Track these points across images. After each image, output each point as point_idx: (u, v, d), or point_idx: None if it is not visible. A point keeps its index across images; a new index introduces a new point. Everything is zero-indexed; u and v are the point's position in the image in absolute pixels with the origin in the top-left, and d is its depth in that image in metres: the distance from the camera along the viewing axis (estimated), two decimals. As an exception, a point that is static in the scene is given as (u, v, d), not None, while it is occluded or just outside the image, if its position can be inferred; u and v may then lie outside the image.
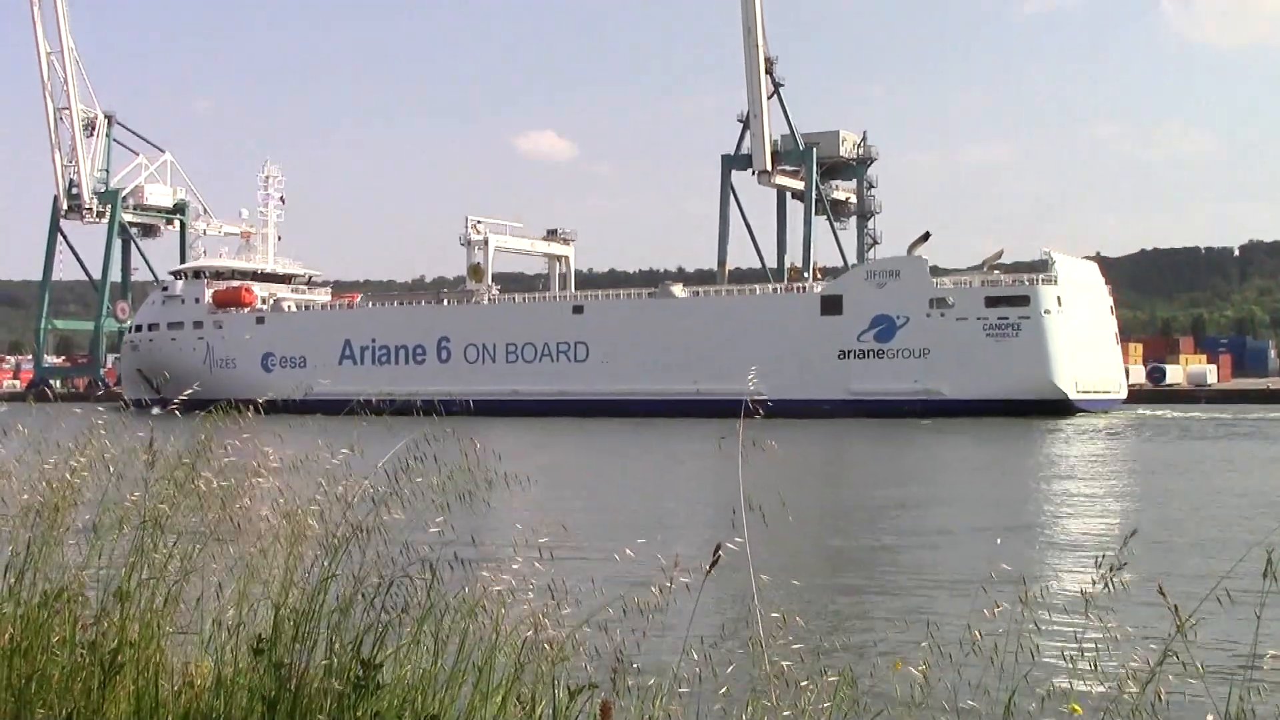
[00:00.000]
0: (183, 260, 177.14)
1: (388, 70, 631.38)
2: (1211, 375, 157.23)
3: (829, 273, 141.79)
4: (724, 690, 8.26)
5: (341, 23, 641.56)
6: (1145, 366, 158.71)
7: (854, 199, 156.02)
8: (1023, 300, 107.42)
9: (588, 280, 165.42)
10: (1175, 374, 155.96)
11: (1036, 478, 52.15)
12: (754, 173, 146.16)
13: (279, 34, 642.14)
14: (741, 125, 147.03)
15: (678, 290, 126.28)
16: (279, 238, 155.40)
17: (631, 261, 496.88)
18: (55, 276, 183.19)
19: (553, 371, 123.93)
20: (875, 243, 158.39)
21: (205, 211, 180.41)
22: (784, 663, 8.14)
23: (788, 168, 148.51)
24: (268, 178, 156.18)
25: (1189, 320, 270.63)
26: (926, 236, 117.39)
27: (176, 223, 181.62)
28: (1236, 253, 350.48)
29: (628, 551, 9.60)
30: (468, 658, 8.53)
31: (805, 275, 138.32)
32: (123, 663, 8.68)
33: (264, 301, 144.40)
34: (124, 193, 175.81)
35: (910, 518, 38.40)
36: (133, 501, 10.11)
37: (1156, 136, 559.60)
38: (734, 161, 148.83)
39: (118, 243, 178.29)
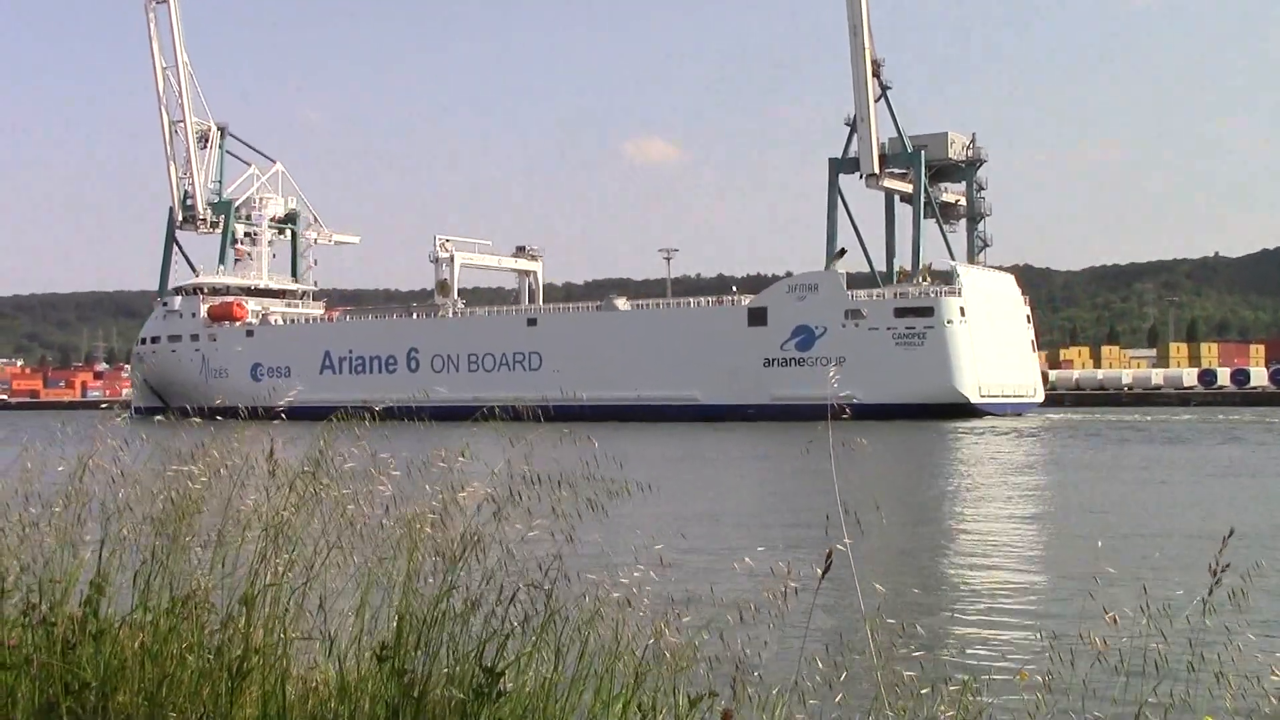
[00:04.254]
0: (294, 270, 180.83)
1: (494, 76, 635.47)
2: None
3: (939, 276, 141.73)
4: (839, 698, 8.22)
5: (449, 35, 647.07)
6: (1268, 369, 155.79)
7: (963, 201, 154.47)
8: (927, 311, 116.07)
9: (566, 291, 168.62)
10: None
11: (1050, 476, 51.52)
12: (862, 176, 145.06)
13: (388, 46, 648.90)
14: (849, 128, 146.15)
15: (621, 303, 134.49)
16: (274, 255, 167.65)
17: (739, 266, 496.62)
18: (171, 286, 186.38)
19: (510, 380, 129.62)
20: (985, 245, 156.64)
21: (316, 220, 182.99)
22: (904, 671, 8.10)
23: (896, 170, 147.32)
24: (261, 198, 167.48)
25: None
26: (843, 252, 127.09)
27: (288, 232, 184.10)
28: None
29: (746, 560, 9.63)
30: (588, 666, 8.59)
31: (915, 279, 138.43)
32: (249, 668, 8.83)
33: (255, 316, 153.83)
34: (237, 203, 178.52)
35: (976, 515, 37.97)
36: (256, 509, 10.27)
37: None
38: (841, 165, 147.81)
39: (231, 253, 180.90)
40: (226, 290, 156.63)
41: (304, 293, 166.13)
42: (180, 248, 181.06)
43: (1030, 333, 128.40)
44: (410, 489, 10.34)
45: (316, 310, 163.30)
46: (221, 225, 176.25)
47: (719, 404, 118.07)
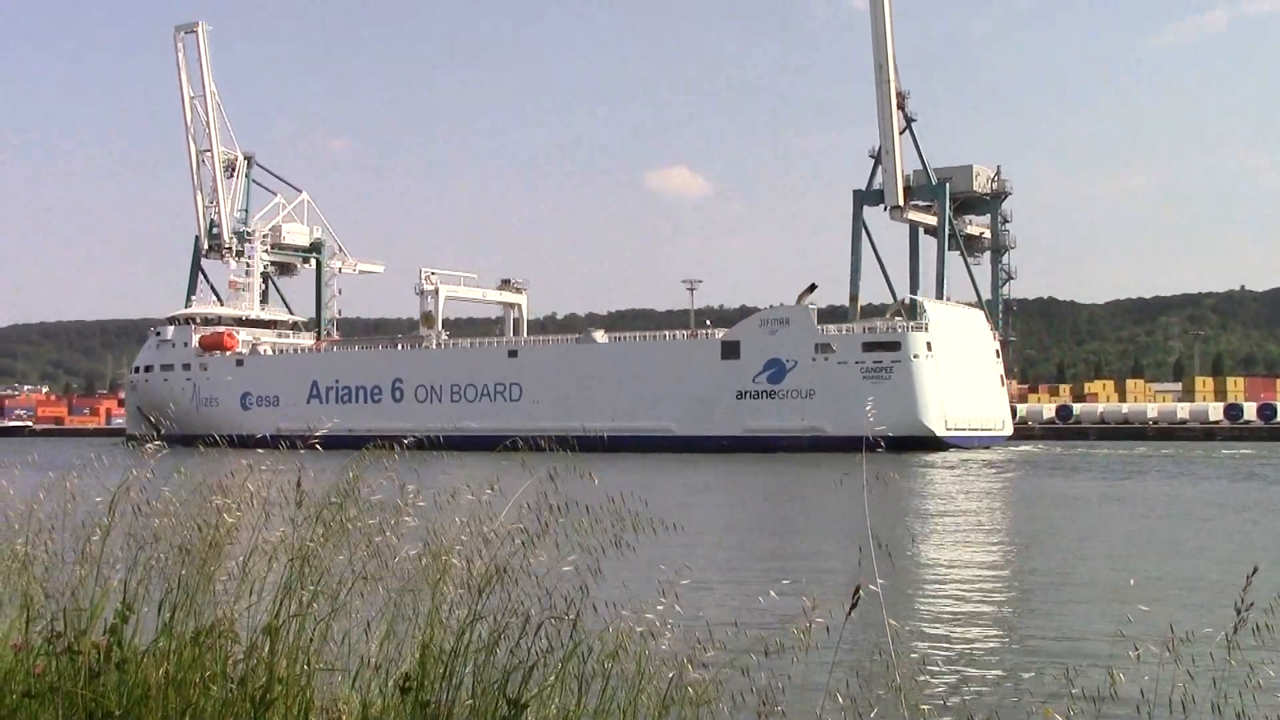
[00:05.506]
0: (319, 298, 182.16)
1: (517, 108, 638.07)
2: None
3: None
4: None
5: (473, 63, 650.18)
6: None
7: (988, 234, 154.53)
8: (894, 346, 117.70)
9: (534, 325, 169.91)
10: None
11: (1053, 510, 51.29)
12: (886, 208, 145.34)
13: (411, 74, 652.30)
14: (873, 160, 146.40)
15: (599, 336, 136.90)
16: (264, 286, 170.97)
17: (764, 298, 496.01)
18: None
19: (491, 410, 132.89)
20: (1010, 278, 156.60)
21: (341, 250, 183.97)
22: (927, 707, 8.07)
23: (920, 203, 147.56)
24: (254, 232, 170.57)
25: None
26: (813, 288, 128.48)
27: (313, 261, 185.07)
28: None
29: (772, 593, 9.62)
30: (611, 699, 8.57)
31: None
32: (273, 699, 8.83)
33: (245, 346, 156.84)
34: (262, 233, 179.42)
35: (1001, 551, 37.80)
36: (282, 540, 10.30)
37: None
38: (866, 197, 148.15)
39: (256, 282, 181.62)
40: (218, 320, 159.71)
41: (295, 324, 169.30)
42: (205, 276, 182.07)
43: (999, 367, 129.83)
44: (436, 519, 10.36)
45: (306, 341, 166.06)
46: (247, 254, 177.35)
47: (693, 435, 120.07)
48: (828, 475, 74.68)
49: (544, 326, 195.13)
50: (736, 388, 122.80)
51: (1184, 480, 72.90)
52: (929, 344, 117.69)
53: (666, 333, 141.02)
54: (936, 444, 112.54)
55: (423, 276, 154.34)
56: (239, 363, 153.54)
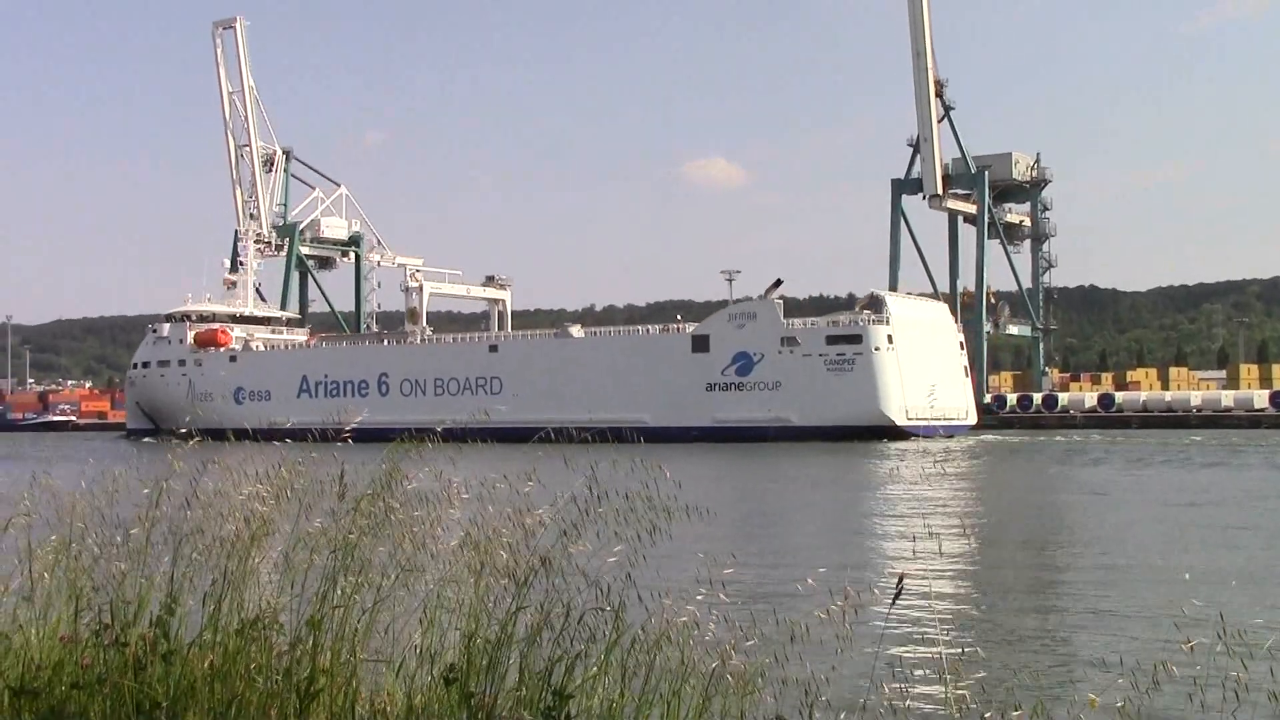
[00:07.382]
0: (358, 292, 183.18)
1: (555, 100, 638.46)
2: None
3: (1003, 297, 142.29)
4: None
5: (509, 58, 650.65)
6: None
7: (1027, 222, 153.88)
8: (856, 339, 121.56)
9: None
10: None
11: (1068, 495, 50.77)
12: (925, 197, 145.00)
13: (448, 67, 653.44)
14: (912, 149, 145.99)
15: (575, 330, 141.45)
16: (259, 284, 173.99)
17: (802, 288, 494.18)
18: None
19: (473, 403, 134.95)
20: (1050, 266, 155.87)
21: (379, 243, 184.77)
22: (971, 694, 8.03)
23: (959, 191, 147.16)
24: (248, 230, 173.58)
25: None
26: (779, 283, 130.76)
27: (352, 255, 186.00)
28: None
29: (810, 580, 9.60)
30: (655, 689, 8.57)
31: (979, 299, 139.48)
32: (317, 690, 8.87)
33: (239, 342, 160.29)
34: (301, 226, 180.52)
35: (1045, 535, 37.56)
36: (324, 532, 10.35)
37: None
38: (904, 185, 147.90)
39: (295, 275, 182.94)
40: (213, 317, 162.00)
41: (287, 320, 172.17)
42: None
43: (963, 358, 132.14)
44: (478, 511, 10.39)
45: (299, 337, 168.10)
46: (286, 248, 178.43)
47: (666, 426, 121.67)
48: (817, 463, 76.12)
49: (581, 318, 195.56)
50: (706, 380, 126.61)
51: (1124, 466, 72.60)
52: (890, 336, 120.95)
53: (639, 327, 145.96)
54: (897, 433, 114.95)
55: (408, 274, 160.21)
56: (232, 358, 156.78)
